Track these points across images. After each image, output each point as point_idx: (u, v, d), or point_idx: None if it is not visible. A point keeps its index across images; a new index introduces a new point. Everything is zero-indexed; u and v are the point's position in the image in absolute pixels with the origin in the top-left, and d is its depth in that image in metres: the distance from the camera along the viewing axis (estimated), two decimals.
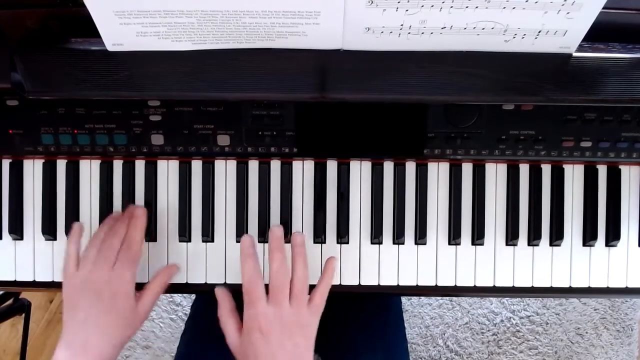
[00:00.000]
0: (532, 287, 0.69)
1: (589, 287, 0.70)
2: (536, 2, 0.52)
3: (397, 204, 0.68)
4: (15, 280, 0.69)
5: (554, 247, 0.70)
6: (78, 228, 0.64)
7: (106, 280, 0.59)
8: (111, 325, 0.58)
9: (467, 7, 0.52)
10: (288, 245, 0.62)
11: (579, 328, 1.38)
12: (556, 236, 0.69)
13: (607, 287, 0.70)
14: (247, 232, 0.68)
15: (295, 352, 0.57)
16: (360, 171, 0.69)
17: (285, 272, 0.60)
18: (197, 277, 0.69)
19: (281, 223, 0.69)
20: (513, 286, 0.69)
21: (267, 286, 0.60)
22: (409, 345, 1.31)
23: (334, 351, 0.63)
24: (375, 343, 0.76)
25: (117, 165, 0.69)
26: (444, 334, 1.37)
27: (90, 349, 0.57)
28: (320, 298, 0.61)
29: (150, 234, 0.69)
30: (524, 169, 0.69)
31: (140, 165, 0.69)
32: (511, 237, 0.69)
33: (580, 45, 0.57)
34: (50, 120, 0.66)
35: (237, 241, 0.69)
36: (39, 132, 0.66)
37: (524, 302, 1.38)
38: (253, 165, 0.69)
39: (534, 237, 0.69)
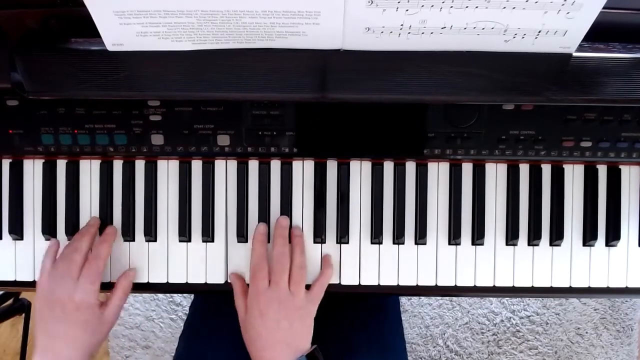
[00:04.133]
0: (532, 287, 0.69)
1: (589, 287, 0.70)
2: (536, 2, 0.52)
3: (397, 204, 0.68)
4: (15, 280, 0.69)
5: (554, 247, 0.70)
6: (55, 245, 0.67)
7: (70, 295, 0.62)
8: (78, 335, 0.62)
9: (467, 7, 0.52)
10: None
11: (579, 328, 1.38)
12: (556, 236, 0.69)
13: (607, 287, 0.70)
14: (247, 233, 0.68)
15: (292, 332, 0.61)
16: (360, 171, 0.69)
17: (286, 257, 0.64)
18: (196, 277, 0.69)
19: None
20: (513, 286, 0.69)
21: None
22: (409, 345, 1.31)
23: (330, 350, 0.64)
24: (371, 342, 0.76)
25: (117, 165, 0.69)
26: (444, 334, 1.37)
27: (61, 358, 0.61)
28: (320, 288, 0.66)
29: (151, 234, 0.69)
30: (524, 169, 0.69)
31: (140, 165, 0.69)
32: (511, 237, 0.69)
33: (580, 45, 0.57)
34: (50, 120, 0.66)
35: (238, 241, 0.69)
36: (39, 132, 0.66)
37: (524, 302, 1.38)
38: (253, 165, 0.69)
39: (534, 237, 0.69)
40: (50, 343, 0.61)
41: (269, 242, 0.68)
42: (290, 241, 0.67)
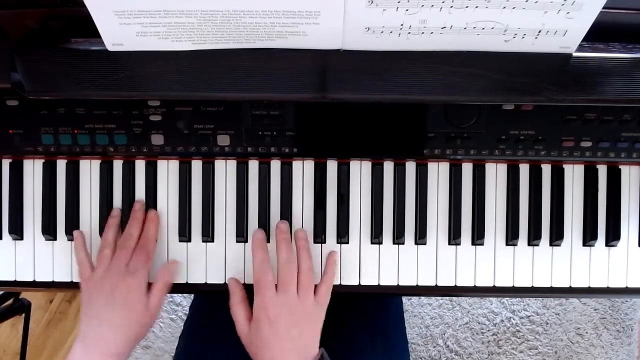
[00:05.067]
0: (532, 287, 0.69)
1: (589, 287, 0.70)
2: (536, 2, 0.52)
3: (397, 204, 0.68)
4: (15, 280, 0.69)
5: (554, 247, 0.70)
6: (80, 235, 0.67)
7: (122, 278, 0.62)
8: (124, 321, 0.61)
9: (467, 7, 0.52)
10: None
11: (579, 328, 1.38)
12: (556, 236, 0.69)
13: (607, 287, 0.70)
14: (247, 233, 0.68)
15: (301, 340, 0.59)
16: (360, 171, 0.69)
17: (293, 262, 0.63)
18: (197, 277, 0.69)
19: None
20: (513, 286, 0.69)
21: None
22: (409, 345, 1.31)
23: (334, 349, 0.63)
24: (375, 342, 0.76)
25: (117, 165, 0.69)
26: (444, 334, 1.37)
27: (104, 344, 0.60)
28: (326, 290, 0.64)
29: None
30: (524, 169, 0.69)
31: (140, 165, 0.69)
32: (511, 237, 0.69)
33: (580, 45, 0.57)
34: (50, 120, 0.66)
35: (238, 241, 0.69)
36: (39, 132, 0.66)
37: (524, 302, 1.38)
38: (253, 165, 0.69)
39: (534, 237, 0.69)
40: (95, 327, 0.60)
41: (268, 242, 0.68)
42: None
